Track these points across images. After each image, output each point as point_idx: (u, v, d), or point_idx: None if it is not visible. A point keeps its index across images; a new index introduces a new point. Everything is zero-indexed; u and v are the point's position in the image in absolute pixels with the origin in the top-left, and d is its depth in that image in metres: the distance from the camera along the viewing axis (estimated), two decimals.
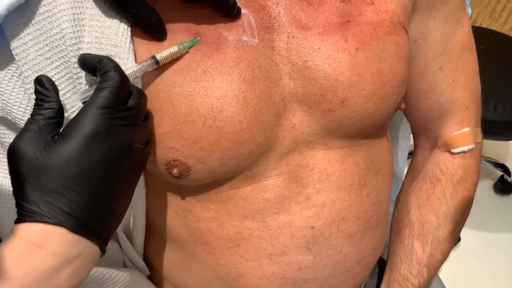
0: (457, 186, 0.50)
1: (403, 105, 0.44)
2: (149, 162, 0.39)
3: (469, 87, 0.49)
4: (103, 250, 0.31)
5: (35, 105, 0.31)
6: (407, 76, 0.42)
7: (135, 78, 0.34)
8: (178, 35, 0.36)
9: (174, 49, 0.35)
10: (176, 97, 0.35)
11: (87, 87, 0.36)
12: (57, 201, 0.28)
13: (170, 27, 0.36)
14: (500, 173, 1.38)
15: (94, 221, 0.30)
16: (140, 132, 0.33)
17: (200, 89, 0.35)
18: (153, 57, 0.35)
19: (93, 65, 0.32)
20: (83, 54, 0.34)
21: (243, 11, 0.37)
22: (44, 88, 0.31)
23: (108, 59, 0.32)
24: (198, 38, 0.36)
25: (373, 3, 0.39)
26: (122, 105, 0.31)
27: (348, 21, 0.38)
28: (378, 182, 0.44)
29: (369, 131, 0.42)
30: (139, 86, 0.36)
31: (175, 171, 0.37)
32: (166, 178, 0.39)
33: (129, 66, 0.35)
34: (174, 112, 0.35)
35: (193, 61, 0.35)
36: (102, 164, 0.30)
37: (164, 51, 0.35)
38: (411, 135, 0.59)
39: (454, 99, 0.48)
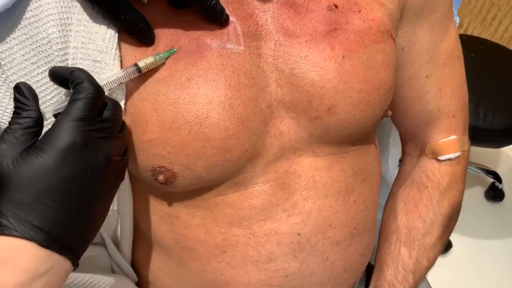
0: (443, 193, 0.50)
1: (390, 113, 0.45)
2: (135, 168, 0.39)
3: (456, 95, 0.49)
4: (75, 264, 0.31)
5: (14, 113, 0.30)
6: (393, 84, 0.42)
7: (118, 85, 0.34)
8: (160, 42, 0.36)
9: (149, 59, 0.35)
10: (161, 105, 0.35)
11: (71, 92, 0.36)
12: (27, 215, 0.27)
13: (156, 33, 0.36)
14: (491, 180, 1.39)
15: (67, 235, 0.29)
16: (116, 143, 0.32)
17: (185, 96, 0.35)
18: (135, 65, 0.35)
19: (64, 77, 0.32)
20: (54, 67, 0.33)
21: (230, 18, 0.37)
22: (23, 96, 0.30)
23: (81, 70, 0.31)
24: (175, 49, 0.36)
25: (360, 11, 0.39)
26: (97, 116, 0.31)
27: (335, 29, 0.38)
28: (365, 189, 0.45)
29: (355, 138, 0.42)
30: (124, 93, 0.36)
31: (161, 177, 0.37)
32: (152, 184, 0.39)
33: (114, 72, 0.35)
34: (159, 119, 0.35)
35: (176, 70, 0.36)
36: (77, 177, 0.29)
37: (140, 61, 0.35)
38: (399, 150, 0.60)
39: (441, 107, 0.49)
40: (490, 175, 1.38)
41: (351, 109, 0.38)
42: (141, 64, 0.35)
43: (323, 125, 0.39)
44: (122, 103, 0.36)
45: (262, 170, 0.39)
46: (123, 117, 0.36)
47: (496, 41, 1.39)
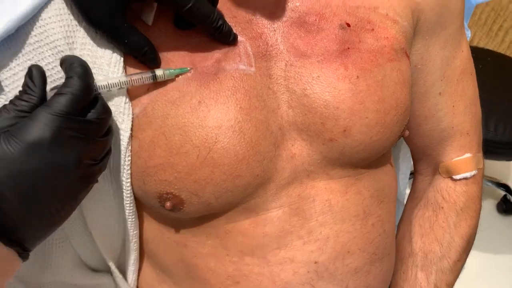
0: (460, 214, 0.49)
1: (407, 132, 0.43)
2: (142, 194, 0.38)
3: (470, 112, 0.48)
4: (23, 257, 0.30)
5: (19, 93, 0.30)
6: (410, 103, 0.41)
7: (119, 88, 0.33)
8: (171, 65, 0.35)
9: (159, 72, 0.34)
10: (169, 128, 0.34)
11: None
12: None
13: (165, 56, 0.35)
14: (502, 193, 1.37)
15: (18, 228, 0.29)
16: (95, 147, 0.31)
17: (195, 120, 0.34)
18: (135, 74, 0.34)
19: (66, 67, 0.31)
20: (66, 55, 0.32)
21: (239, 38, 0.36)
22: (30, 80, 0.30)
23: (81, 64, 0.31)
24: (188, 69, 0.35)
25: (373, 29, 0.38)
26: (80, 115, 0.30)
27: (348, 48, 0.37)
28: (383, 211, 0.43)
29: (372, 159, 0.40)
30: (130, 118, 0.35)
31: (168, 204, 0.36)
32: (159, 210, 0.38)
33: (118, 75, 0.34)
34: (167, 143, 0.34)
35: (188, 92, 0.35)
36: (40, 172, 0.28)
37: (147, 72, 0.34)
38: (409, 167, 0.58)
39: (455, 125, 0.48)
40: (502, 188, 1.36)
41: (367, 131, 0.37)
42: (148, 74, 0.34)
43: (338, 148, 0.37)
44: (128, 129, 0.35)
45: (274, 195, 0.38)
46: (129, 143, 0.35)
47: (503, 52, 1.38)
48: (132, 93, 0.35)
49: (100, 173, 0.34)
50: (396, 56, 0.39)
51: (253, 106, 0.35)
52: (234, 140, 0.34)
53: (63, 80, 0.33)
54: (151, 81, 0.34)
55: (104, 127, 0.32)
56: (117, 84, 0.33)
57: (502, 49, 1.60)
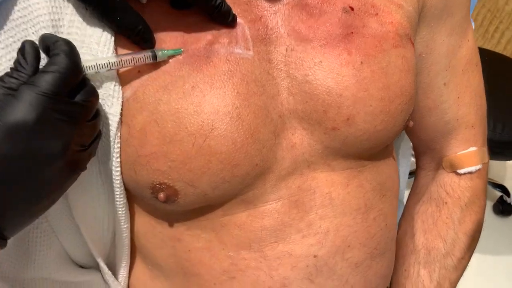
0: (465, 210, 0.47)
1: (411, 123, 0.42)
2: (132, 185, 0.35)
3: (475, 104, 0.47)
4: (1, 244, 0.28)
5: (10, 69, 0.28)
6: (415, 92, 0.39)
7: (108, 70, 0.31)
8: (162, 46, 0.33)
9: (148, 53, 0.32)
10: (162, 115, 0.32)
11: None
12: None
13: (157, 37, 0.33)
14: (499, 193, 1.36)
15: None
16: (81, 132, 0.29)
17: (189, 106, 0.32)
18: (125, 54, 0.31)
19: (48, 45, 0.29)
20: (45, 33, 0.30)
21: (238, 20, 0.34)
22: (22, 57, 0.27)
23: (66, 43, 0.28)
24: (182, 50, 0.33)
25: (377, 14, 0.36)
26: (66, 97, 0.28)
27: (352, 33, 0.35)
28: (385, 205, 0.41)
29: (375, 150, 0.39)
30: (119, 102, 0.33)
31: (161, 195, 0.34)
32: (151, 202, 0.36)
33: (108, 55, 0.32)
34: (160, 131, 0.32)
35: (180, 76, 0.33)
36: (22, 157, 0.26)
37: (138, 53, 0.32)
38: (411, 154, 0.57)
39: (460, 117, 0.46)
40: (498, 189, 1.35)
41: (371, 119, 0.35)
42: (139, 55, 0.31)
43: (341, 137, 0.36)
44: (117, 113, 0.33)
45: (273, 186, 0.36)
46: (118, 128, 0.33)
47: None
48: (122, 76, 0.33)
49: (89, 160, 0.32)
50: (400, 42, 0.37)
51: (252, 91, 0.33)
52: (231, 126, 0.32)
53: (47, 60, 0.31)
54: (144, 62, 0.32)
55: (92, 110, 0.30)
56: (106, 65, 0.31)
57: (498, 50, 1.60)
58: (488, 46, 1.61)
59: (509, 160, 1.28)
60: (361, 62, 0.35)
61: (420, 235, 0.47)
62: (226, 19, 0.33)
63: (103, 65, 0.31)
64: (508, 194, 1.35)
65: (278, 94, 0.35)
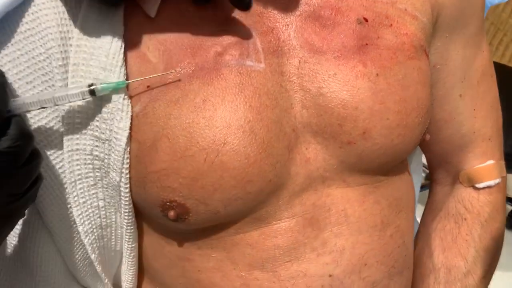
0: (485, 226, 0.45)
1: (428, 136, 0.41)
2: (142, 203, 0.34)
3: (491, 116, 0.46)
4: None
5: None
6: (431, 104, 0.38)
7: (39, 108, 0.29)
8: (172, 58, 0.32)
9: (84, 89, 0.29)
10: (172, 130, 0.31)
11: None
12: None
13: (167, 48, 0.32)
14: (509, 207, 1.33)
15: None
16: (11, 181, 0.26)
17: (200, 120, 0.31)
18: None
19: None
20: None
21: (249, 32, 0.33)
22: None
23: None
24: (124, 82, 0.31)
25: (391, 25, 0.36)
26: None
27: (366, 44, 0.34)
28: (402, 221, 0.40)
29: (391, 165, 0.38)
30: (128, 117, 0.32)
31: (172, 213, 0.33)
32: (161, 221, 0.35)
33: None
34: (171, 146, 0.31)
35: (190, 90, 0.32)
36: None
37: (72, 89, 0.29)
38: (422, 169, 0.55)
39: (476, 130, 0.45)
40: (509, 203, 1.32)
41: (388, 133, 0.34)
42: (73, 91, 0.29)
43: (356, 152, 0.34)
44: (127, 128, 0.32)
45: (286, 203, 0.35)
46: (127, 143, 0.32)
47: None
48: (131, 90, 0.32)
49: (27, 207, 0.29)
50: (416, 54, 0.36)
51: (264, 104, 0.32)
52: (244, 141, 0.31)
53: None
54: (81, 98, 0.29)
55: (21, 156, 0.27)
56: (36, 103, 0.28)
57: (503, 63, 1.60)
58: (493, 59, 1.61)
59: None
60: (377, 74, 0.34)
61: (439, 253, 0.46)
62: (242, 3, 0.31)
63: (32, 103, 0.28)
64: None
65: (291, 107, 0.34)
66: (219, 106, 0.31)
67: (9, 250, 0.37)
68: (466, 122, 0.44)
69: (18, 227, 0.36)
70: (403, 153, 0.36)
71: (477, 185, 0.46)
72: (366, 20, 0.35)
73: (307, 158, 0.35)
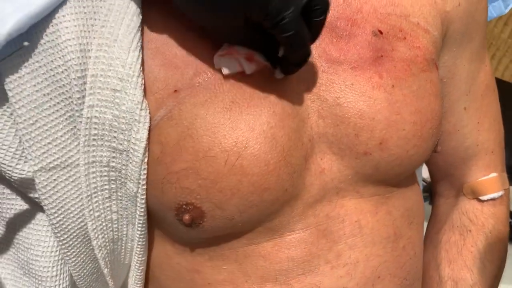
0: (490, 237, 0.46)
1: (439, 148, 0.41)
2: (158, 206, 0.34)
3: (494, 129, 0.47)
4: None
5: None
6: (442, 116, 0.39)
7: None
8: (200, 62, 0.32)
9: None
10: (197, 130, 0.31)
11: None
12: None
13: (194, 53, 0.33)
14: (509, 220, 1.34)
15: None
16: None
17: (226, 121, 0.31)
18: None
19: None
20: None
21: None
22: None
23: None
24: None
25: (405, 38, 0.36)
26: None
27: (382, 56, 0.35)
28: (413, 232, 0.40)
29: (404, 176, 0.38)
30: (147, 119, 0.32)
31: (186, 217, 0.32)
32: (173, 227, 0.34)
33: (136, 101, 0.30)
34: (194, 146, 0.31)
35: (220, 92, 0.32)
36: None
37: None
38: (421, 181, 0.56)
39: (480, 142, 0.46)
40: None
41: (404, 144, 0.35)
42: None
43: (373, 162, 0.35)
44: (144, 139, 0.32)
45: (300, 214, 0.35)
46: (145, 154, 0.32)
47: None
48: (154, 98, 0.32)
49: None
50: (428, 67, 0.37)
51: (287, 112, 0.33)
52: (265, 147, 0.32)
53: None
54: None
55: None
56: None
57: (496, 76, 1.63)
58: None
59: None
60: (393, 86, 0.34)
61: (445, 266, 0.46)
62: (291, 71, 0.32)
63: None
64: None
65: (308, 117, 0.34)
66: (245, 109, 0.32)
67: (15, 261, 0.37)
68: (470, 135, 0.45)
69: (26, 241, 0.35)
70: (416, 164, 0.37)
71: (481, 198, 0.46)
72: (381, 33, 0.36)
73: (322, 168, 0.35)
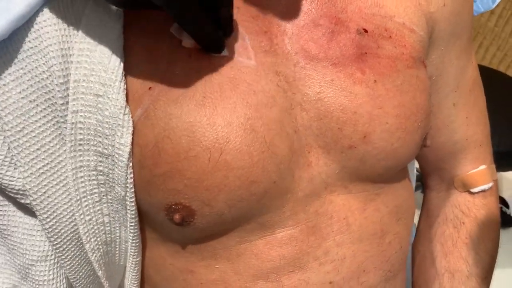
0: (482, 228, 0.46)
1: (429, 142, 0.42)
2: (147, 208, 0.34)
3: (481, 122, 0.47)
4: None
5: None
6: (430, 110, 0.39)
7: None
8: (171, 57, 0.32)
9: None
10: (174, 130, 0.31)
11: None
12: None
13: (165, 47, 0.32)
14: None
15: None
16: None
17: (202, 118, 0.31)
18: None
19: None
20: None
21: (239, 30, 0.33)
22: None
23: None
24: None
25: (391, 37, 0.36)
26: None
27: (365, 53, 0.35)
28: (401, 228, 0.41)
29: (393, 171, 0.38)
30: (130, 122, 0.32)
31: (177, 216, 0.32)
32: (165, 227, 0.35)
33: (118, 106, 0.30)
34: (174, 147, 0.31)
35: (189, 87, 0.31)
36: None
37: None
38: (415, 171, 0.56)
39: (468, 136, 0.46)
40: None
41: (388, 137, 0.35)
42: None
43: (358, 156, 0.35)
44: (128, 143, 0.32)
45: (291, 209, 0.35)
46: (129, 159, 0.32)
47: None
48: (132, 96, 0.32)
49: None
50: (414, 64, 0.37)
51: (261, 102, 0.32)
52: (246, 139, 0.31)
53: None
54: None
55: None
56: None
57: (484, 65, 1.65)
58: None
59: (506, 171, 1.29)
60: (375, 81, 0.35)
61: (441, 259, 0.46)
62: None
63: None
64: (507, 205, 1.35)
65: (291, 108, 0.34)
66: (218, 103, 0.31)
67: (13, 267, 0.37)
68: (459, 130, 0.46)
69: (21, 246, 0.35)
70: (404, 158, 0.37)
71: (472, 190, 0.47)
72: (366, 31, 0.36)
73: (310, 161, 0.35)
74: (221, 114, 0.31)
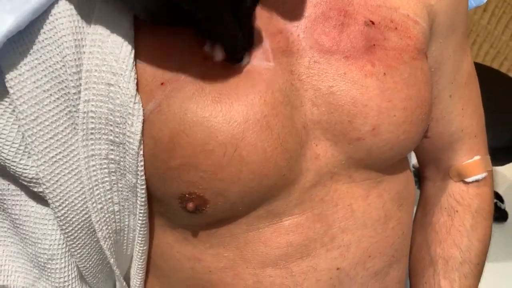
0: (475, 216, 0.48)
1: (429, 133, 0.43)
2: (160, 195, 0.35)
3: (476, 114, 0.49)
4: None
5: None
6: (432, 102, 0.40)
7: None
8: (186, 56, 0.33)
9: None
10: (189, 125, 0.32)
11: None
12: None
13: (180, 47, 0.33)
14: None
15: None
16: None
17: (218, 114, 0.32)
18: None
19: None
20: None
21: (259, 33, 0.34)
22: None
23: None
24: None
25: (396, 28, 0.37)
26: None
27: (374, 45, 0.36)
28: (403, 213, 0.42)
29: (395, 160, 0.39)
30: (140, 115, 0.32)
31: (190, 205, 0.33)
32: (177, 213, 0.35)
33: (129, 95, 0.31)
34: (190, 142, 0.32)
35: (206, 85, 0.32)
36: None
37: None
38: (411, 167, 0.57)
39: (464, 127, 0.48)
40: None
41: (395, 129, 0.36)
42: None
43: (365, 147, 0.36)
44: (138, 132, 0.32)
45: (297, 198, 0.36)
46: (140, 147, 0.33)
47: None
48: (143, 90, 0.33)
49: None
50: (418, 56, 0.38)
51: (278, 100, 0.34)
52: (261, 136, 0.32)
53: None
54: None
55: None
56: None
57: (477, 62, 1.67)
58: None
59: (500, 165, 1.30)
60: (384, 74, 0.36)
61: (435, 246, 0.48)
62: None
63: None
64: (501, 200, 1.37)
65: (301, 105, 0.35)
66: (235, 100, 0.32)
67: (25, 255, 0.37)
68: (455, 121, 0.47)
69: (33, 235, 0.36)
70: (407, 149, 0.38)
71: (466, 180, 0.48)
72: (373, 23, 0.37)
73: (317, 154, 0.36)
74: (238, 110, 0.32)
